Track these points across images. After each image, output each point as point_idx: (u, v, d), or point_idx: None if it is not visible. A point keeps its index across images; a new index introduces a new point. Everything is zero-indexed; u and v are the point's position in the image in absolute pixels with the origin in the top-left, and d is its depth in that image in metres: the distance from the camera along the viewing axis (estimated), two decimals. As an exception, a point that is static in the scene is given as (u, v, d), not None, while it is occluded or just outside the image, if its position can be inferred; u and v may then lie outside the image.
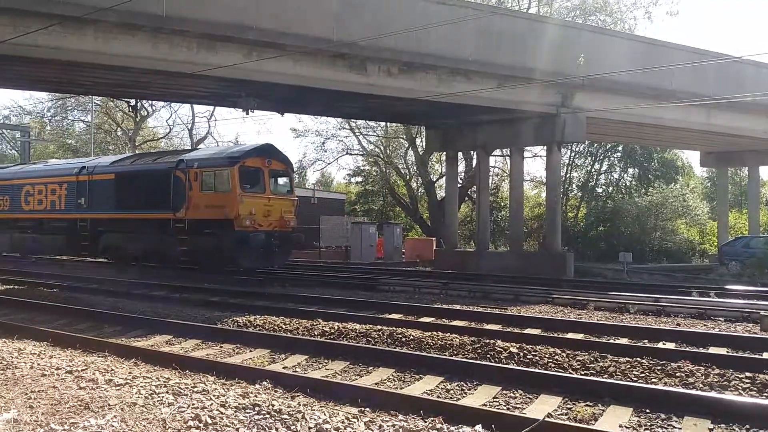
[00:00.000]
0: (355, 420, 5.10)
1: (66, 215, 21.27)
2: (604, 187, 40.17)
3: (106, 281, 16.28)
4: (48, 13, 12.75)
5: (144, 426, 4.72)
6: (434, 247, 27.58)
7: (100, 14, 12.68)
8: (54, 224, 21.89)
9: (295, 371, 7.26)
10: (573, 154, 38.00)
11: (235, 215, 16.92)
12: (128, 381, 6.00)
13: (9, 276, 17.18)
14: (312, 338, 8.92)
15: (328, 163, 45.44)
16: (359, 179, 49.15)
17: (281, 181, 19.13)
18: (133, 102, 40.32)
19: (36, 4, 12.75)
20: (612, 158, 39.59)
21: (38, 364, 6.69)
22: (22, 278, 16.74)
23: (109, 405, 5.19)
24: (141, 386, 5.80)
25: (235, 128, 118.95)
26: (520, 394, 6.36)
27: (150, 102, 43.92)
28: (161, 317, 10.54)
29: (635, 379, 6.88)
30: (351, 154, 43.45)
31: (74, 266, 20.71)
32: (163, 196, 18.24)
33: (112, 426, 4.70)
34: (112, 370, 6.52)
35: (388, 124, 38.32)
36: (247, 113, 18.22)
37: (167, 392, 5.63)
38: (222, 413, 5.05)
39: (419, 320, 10.67)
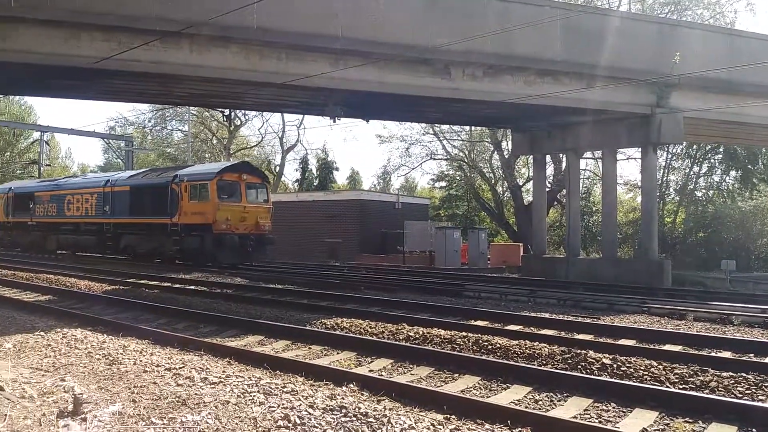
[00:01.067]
0: (441, 427, 5.07)
1: (95, 220, 26.00)
2: (704, 190, 38.02)
3: (200, 282, 17.05)
4: (149, 29, 13.52)
5: (236, 424, 4.89)
6: (521, 253, 27.05)
7: (196, 29, 13.30)
8: (87, 227, 26.51)
9: (381, 375, 7.31)
10: (670, 156, 36.25)
11: (213, 220, 21.11)
12: (222, 380, 6.23)
13: (114, 277, 18.31)
14: (397, 342, 8.95)
15: (412, 168, 45.62)
16: (443, 184, 49.04)
17: (257, 192, 22.98)
18: (227, 112, 42.18)
19: (138, 22, 13.55)
20: (712, 160, 37.40)
21: (140, 361, 7.08)
22: (125, 279, 17.83)
23: (204, 402, 5.41)
24: (234, 385, 6.01)
25: (323, 136, 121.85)
26: (613, 407, 6.11)
27: (243, 111, 45.74)
28: (254, 318, 10.90)
29: (740, 395, 6.46)
30: (435, 159, 43.43)
31: (168, 268, 21.85)
32: (163, 204, 22.58)
33: (207, 422, 4.90)
34: (208, 368, 6.80)
35: (473, 128, 38.01)
36: (334, 121, 18.59)
37: (258, 392, 5.80)
38: (310, 414, 5.15)
39: (506, 328, 10.47)
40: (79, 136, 42.17)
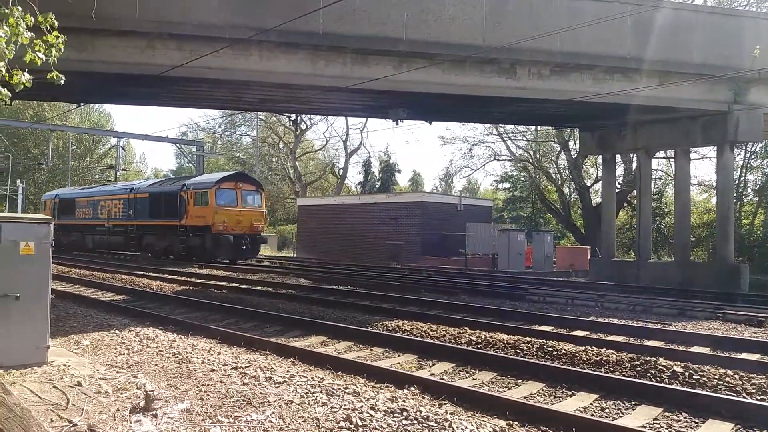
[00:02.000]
0: (503, 433, 5.00)
1: (122, 222, 29.98)
2: (786, 190, 35.88)
3: (266, 283, 17.44)
4: (219, 37, 13.97)
5: (299, 424, 4.98)
6: (589, 257, 26.35)
7: (264, 35, 13.63)
8: (116, 229, 30.56)
9: (442, 379, 7.27)
10: (748, 154, 34.45)
11: (212, 222, 24.58)
12: (286, 379, 6.35)
13: (183, 276, 18.98)
14: (459, 346, 8.88)
15: (475, 170, 45.28)
16: (507, 185, 48.41)
17: (252, 198, 26.36)
18: (293, 117, 43.07)
19: (210, 30, 14.02)
20: (795, 159, 35.28)
21: (208, 360, 7.30)
22: (196, 279, 18.45)
23: (268, 401, 5.54)
24: (297, 385, 6.12)
25: (386, 138, 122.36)
26: (684, 418, 5.87)
27: (308, 116, 46.56)
28: (317, 319, 11.06)
29: (826, 409, 6.06)
30: (498, 160, 42.91)
31: (236, 269, 22.51)
32: (174, 209, 26.38)
33: (271, 422, 5.01)
34: (272, 368, 6.95)
35: (538, 128, 37.32)
36: (397, 123, 18.69)
37: (321, 392, 5.89)
38: (372, 416, 5.18)
39: (572, 333, 10.23)
40: (153, 141, 43.93)
